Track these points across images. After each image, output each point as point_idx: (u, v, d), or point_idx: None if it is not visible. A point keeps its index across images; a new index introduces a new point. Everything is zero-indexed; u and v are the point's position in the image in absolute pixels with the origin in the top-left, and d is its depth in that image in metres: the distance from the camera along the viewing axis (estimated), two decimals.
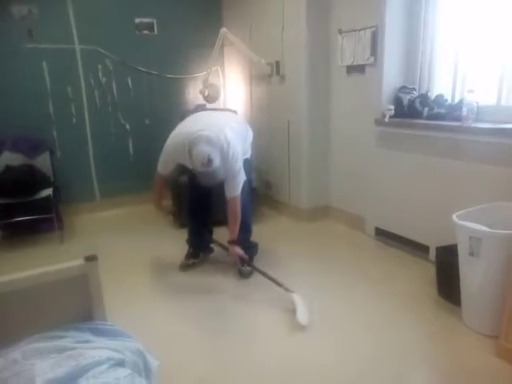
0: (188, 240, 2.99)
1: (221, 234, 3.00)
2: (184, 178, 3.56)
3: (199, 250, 3.00)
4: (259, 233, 3.33)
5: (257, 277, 2.76)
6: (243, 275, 2.79)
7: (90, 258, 1.28)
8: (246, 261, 2.72)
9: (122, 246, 3.34)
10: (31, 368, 1.07)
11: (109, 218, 4.06)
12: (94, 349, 1.15)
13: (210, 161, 2.27)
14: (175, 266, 2.95)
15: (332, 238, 3.45)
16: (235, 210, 2.55)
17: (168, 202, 2.88)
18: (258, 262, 2.90)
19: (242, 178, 2.56)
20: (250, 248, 2.89)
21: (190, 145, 2.36)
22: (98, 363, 1.10)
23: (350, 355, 1.99)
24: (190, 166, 2.48)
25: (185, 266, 2.93)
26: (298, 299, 2.35)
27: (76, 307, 1.29)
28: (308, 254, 3.14)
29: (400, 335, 2.12)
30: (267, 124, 4.08)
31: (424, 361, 1.96)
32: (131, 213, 4.16)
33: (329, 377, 1.85)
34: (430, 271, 2.60)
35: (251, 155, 2.89)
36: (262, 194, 4.24)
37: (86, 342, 1.19)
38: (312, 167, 3.72)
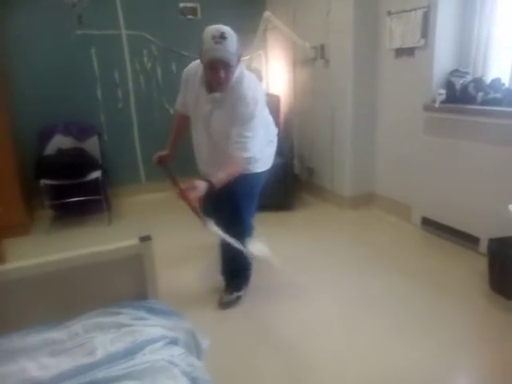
0: None
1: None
2: None
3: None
4: (300, 219, 3.33)
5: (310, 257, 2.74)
6: (222, 304, 2.33)
7: (145, 239, 1.31)
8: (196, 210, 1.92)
9: (166, 229, 3.40)
10: (92, 341, 1.12)
11: (153, 201, 4.15)
12: (150, 326, 1.19)
13: (223, 35, 1.86)
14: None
15: (375, 226, 3.39)
16: (235, 170, 2.00)
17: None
18: (301, 250, 2.89)
19: (249, 144, 2.00)
20: (238, 270, 2.38)
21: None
22: (154, 340, 1.14)
23: (392, 349, 1.95)
24: (199, 84, 2.06)
25: None
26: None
27: (131, 286, 1.34)
28: (350, 242, 3.10)
29: (447, 330, 2.05)
30: (310, 109, 4.03)
31: (472, 359, 1.88)
32: (175, 196, 4.21)
33: (370, 369, 1.83)
34: (481, 264, 2.50)
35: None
36: (304, 180, 4.21)
37: (142, 319, 1.23)
38: (356, 153, 3.64)
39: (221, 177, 1.93)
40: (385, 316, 2.20)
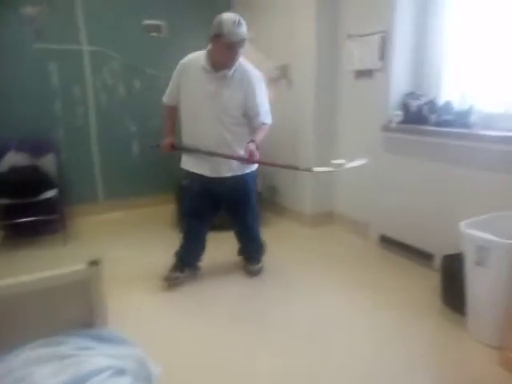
0: (177, 251, 2.76)
1: (223, 240, 3.01)
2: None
3: (186, 264, 2.77)
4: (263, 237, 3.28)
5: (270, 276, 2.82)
6: (252, 273, 2.84)
7: (93, 263, 1.26)
8: (254, 160, 2.39)
9: (124, 249, 3.31)
10: (32, 375, 1.06)
11: (113, 221, 4.05)
12: (95, 356, 1.14)
13: (240, 21, 2.26)
14: None
15: (335, 244, 3.43)
16: (264, 134, 2.52)
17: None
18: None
19: (267, 108, 2.52)
20: (259, 248, 2.89)
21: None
22: (99, 371, 1.09)
23: (349, 365, 1.96)
24: (204, 67, 2.39)
25: (169, 279, 2.70)
26: (326, 167, 2.57)
27: (77, 313, 1.27)
28: (310, 259, 3.12)
29: (403, 345, 2.09)
30: (273, 128, 4.02)
31: (427, 372, 1.93)
32: (135, 215, 4.15)
33: None
34: (435, 280, 2.56)
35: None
36: (267, 198, 4.22)
37: (87, 349, 1.17)
38: (318, 173, 3.68)
39: (259, 139, 2.44)
40: (341, 331, 2.22)
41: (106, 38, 3.93)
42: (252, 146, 2.33)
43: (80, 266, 1.26)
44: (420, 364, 1.97)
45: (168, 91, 2.60)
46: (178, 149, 2.57)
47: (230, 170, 2.50)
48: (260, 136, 2.45)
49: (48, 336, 1.20)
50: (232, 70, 2.37)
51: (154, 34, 4.17)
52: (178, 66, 2.52)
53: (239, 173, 2.53)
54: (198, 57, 2.45)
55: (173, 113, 2.64)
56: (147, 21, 4.11)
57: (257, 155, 2.35)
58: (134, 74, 4.13)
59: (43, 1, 3.62)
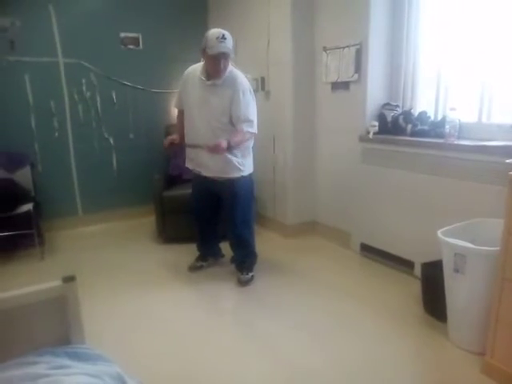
0: (196, 244, 3.12)
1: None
2: (169, 193, 3.53)
3: (207, 254, 3.14)
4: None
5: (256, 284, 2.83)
6: (241, 283, 2.85)
7: (68, 279, 1.23)
8: (216, 150, 2.49)
9: (104, 263, 3.26)
10: None
11: (91, 234, 3.98)
12: (71, 375, 1.10)
13: (224, 36, 2.47)
14: (159, 283, 2.90)
15: (317, 253, 3.43)
16: (243, 139, 2.62)
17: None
18: None
19: (251, 117, 2.63)
20: (249, 256, 2.94)
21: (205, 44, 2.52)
22: None
23: (334, 372, 1.95)
24: (199, 76, 2.62)
25: (193, 268, 3.09)
26: None
27: (52, 330, 1.23)
28: (292, 269, 3.11)
29: (385, 352, 2.10)
30: None
31: (409, 378, 1.93)
32: (114, 228, 4.09)
33: None
34: (416, 287, 2.60)
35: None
36: None
37: (62, 367, 1.13)
38: (298, 183, 3.71)
39: (234, 140, 2.54)
40: (326, 338, 2.22)
41: (82, 50, 3.90)
42: (223, 142, 2.48)
43: (55, 283, 1.22)
44: (402, 371, 1.97)
45: (176, 97, 2.94)
46: (176, 146, 2.84)
47: (219, 171, 2.70)
48: (236, 138, 2.57)
49: (21, 356, 1.15)
50: (222, 79, 2.57)
51: (132, 47, 4.15)
52: (182, 77, 2.79)
53: (226, 176, 2.71)
54: (197, 67, 2.71)
55: (181, 116, 2.88)
56: (124, 33, 4.10)
57: (221, 150, 2.47)
58: (112, 86, 4.10)
59: (15, 11, 3.57)
